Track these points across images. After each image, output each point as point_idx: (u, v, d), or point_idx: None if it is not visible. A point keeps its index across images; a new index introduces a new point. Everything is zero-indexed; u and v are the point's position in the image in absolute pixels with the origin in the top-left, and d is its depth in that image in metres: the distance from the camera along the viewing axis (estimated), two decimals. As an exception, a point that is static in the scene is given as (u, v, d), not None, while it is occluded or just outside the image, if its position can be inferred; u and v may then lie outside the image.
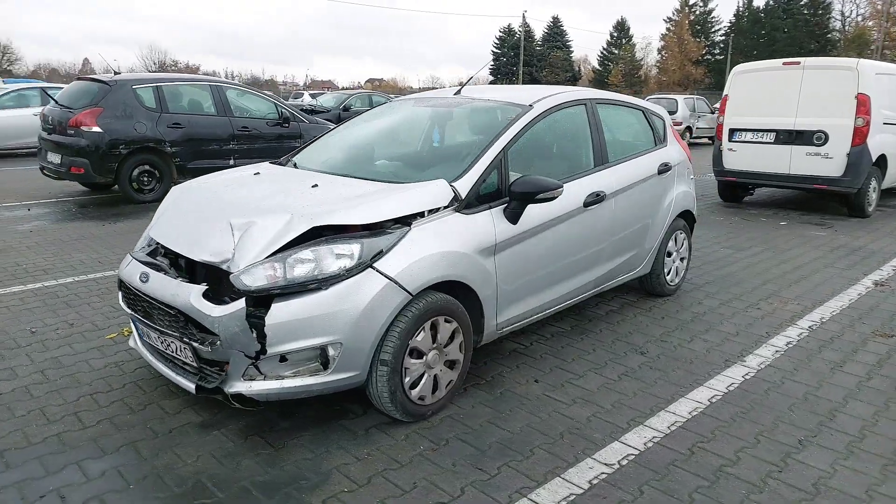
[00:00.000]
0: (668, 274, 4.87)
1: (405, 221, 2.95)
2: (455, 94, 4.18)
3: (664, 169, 4.59)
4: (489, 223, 3.20)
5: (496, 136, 3.45)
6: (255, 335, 2.64)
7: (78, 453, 2.72)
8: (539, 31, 75.01)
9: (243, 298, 2.65)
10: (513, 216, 3.29)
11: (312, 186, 3.25)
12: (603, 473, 2.65)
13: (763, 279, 5.50)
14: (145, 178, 8.33)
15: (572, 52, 75.80)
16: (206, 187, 3.51)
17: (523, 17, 65.31)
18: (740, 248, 6.63)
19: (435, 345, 3.00)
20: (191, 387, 2.80)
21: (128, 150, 8.04)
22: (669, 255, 4.85)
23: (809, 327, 4.36)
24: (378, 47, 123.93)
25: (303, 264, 2.70)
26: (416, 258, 2.85)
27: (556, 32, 74.60)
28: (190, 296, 2.73)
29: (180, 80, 8.84)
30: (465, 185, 3.18)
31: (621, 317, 4.52)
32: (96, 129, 7.82)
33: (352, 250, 2.75)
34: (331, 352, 2.71)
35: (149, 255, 3.20)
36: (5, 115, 13.50)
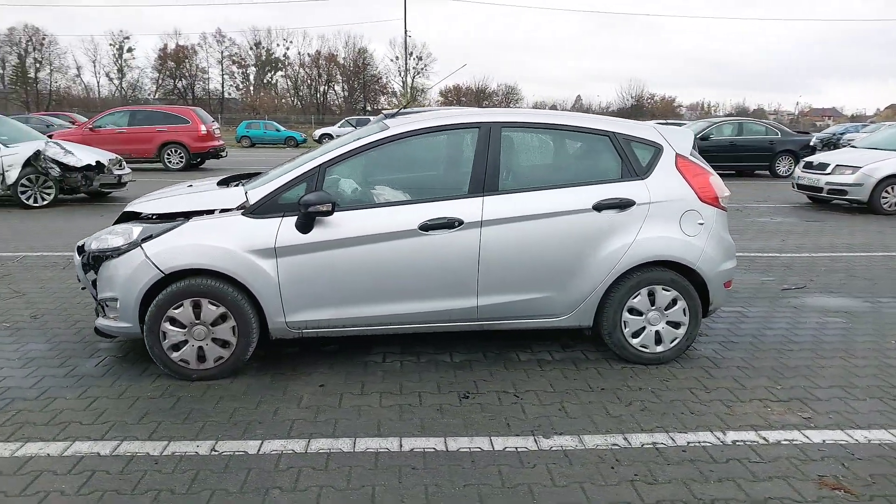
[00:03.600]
0: (633, 337, 3.99)
1: (188, 216, 3.69)
2: (383, 118, 4.48)
3: (610, 205, 3.84)
4: (272, 229, 3.62)
5: (321, 154, 3.79)
6: (91, 283, 3.83)
7: (29, 339, 4.36)
8: None
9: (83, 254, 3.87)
10: (301, 226, 3.62)
11: (188, 186, 4.23)
12: (180, 452, 2.95)
13: (850, 385, 3.83)
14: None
15: None
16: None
17: None
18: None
19: (199, 321, 3.64)
20: (99, 316, 4.14)
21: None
22: (639, 313, 3.97)
23: (747, 443, 3.12)
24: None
25: (116, 237, 3.76)
26: (174, 245, 3.58)
27: None
28: (75, 249, 4.09)
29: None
30: (256, 194, 3.70)
31: (530, 368, 4.00)
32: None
33: (134, 231, 3.68)
34: (117, 305, 3.69)
35: None
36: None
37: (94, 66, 76.21)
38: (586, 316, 3.97)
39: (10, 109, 49.27)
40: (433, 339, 4.40)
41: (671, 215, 3.93)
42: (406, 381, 3.77)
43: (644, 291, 3.95)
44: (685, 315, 4.01)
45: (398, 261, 3.71)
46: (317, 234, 3.63)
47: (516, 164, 3.96)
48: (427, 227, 3.69)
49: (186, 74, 67.37)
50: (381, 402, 3.51)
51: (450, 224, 3.71)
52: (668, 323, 4.02)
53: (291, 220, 3.64)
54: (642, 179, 3.94)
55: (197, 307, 3.63)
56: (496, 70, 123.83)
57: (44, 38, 63.09)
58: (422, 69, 75.52)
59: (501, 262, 3.78)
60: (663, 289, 3.96)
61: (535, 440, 3.11)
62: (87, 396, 3.50)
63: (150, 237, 3.64)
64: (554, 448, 3.04)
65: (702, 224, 3.97)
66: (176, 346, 3.67)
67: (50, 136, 14.43)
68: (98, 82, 68.70)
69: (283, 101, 71.44)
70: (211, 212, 3.72)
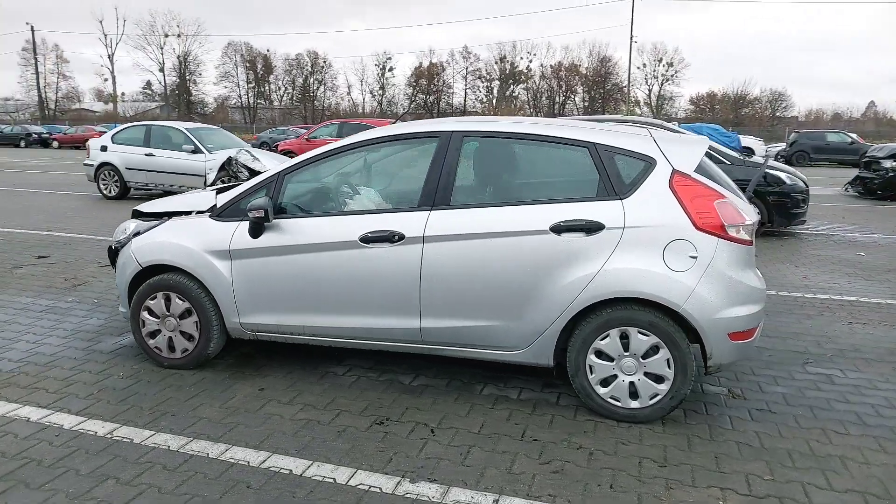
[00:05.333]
0: (601, 385, 3.37)
1: (170, 216, 4.01)
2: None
3: (571, 227, 3.28)
4: (229, 232, 3.77)
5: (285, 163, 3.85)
6: (116, 271, 4.39)
7: (97, 314, 5.09)
8: None
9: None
10: (251, 231, 3.71)
11: (192, 189, 4.56)
12: (123, 438, 3.21)
13: (881, 496, 2.81)
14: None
15: None
16: None
17: None
18: None
19: (169, 313, 3.93)
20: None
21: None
22: (609, 359, 3.34)
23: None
24: None
25: (124, 232, 4.24)
26: (150, 241, 3.93)
27: None
28: (113, 241, 4.68)
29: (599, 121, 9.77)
30: (222, 199, 3.88)
31: (480, 403, 3.59)
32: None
33: (130, 227, 4.11)
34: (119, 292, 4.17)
35: None
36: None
37: (362, 85, 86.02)
38: (544, 353, 3.44)
39: (293, 122, 57.99)
40: (409, 358, 4.17)
41: (652, 244, 3.23)
42: (340, 398, 3.64)
43: (615, 333, 3.30)
44: (669, 367, 3.26)
45: (339, 272, 3.60)
46: (265, 240, 3.69)
47: (475, 177, 3.60)
48: (368, 240, 3.53)
49: (433, 90, 72.67)
50: (296, 414, 3.44)
51: (390, 237, 3.50)
52: (648, 375, 3.31)
53: (246, 225, 3.75)
54: (620, 199, 3.30)
55: (168, 300, 3.92)
56: (761, 73, 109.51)
57: (324, 62, 73.16)
58: (672, 76, 71.53)
59: (445, 282, 3.46)
60: (640, 332, 3.27)
61: (399, 483, 2.79)
62: (78, 370, 3.99)
63: (138, 233, 4.03)
64: (407, 495, 2.70)
65: (695, 257, 3.19)
66: (152, 334, 4.00)
67: (275, 147, 16.60)
68: (363, 99, 77.37)
69: (521, 111, 73.06)
70: (189, 213, 4.00)
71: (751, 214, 3.39)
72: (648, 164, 3.34)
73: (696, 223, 3.20)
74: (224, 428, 3.27)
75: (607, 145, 3.40)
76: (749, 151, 13.17)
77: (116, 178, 12.20)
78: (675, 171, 3.30)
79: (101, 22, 66.56)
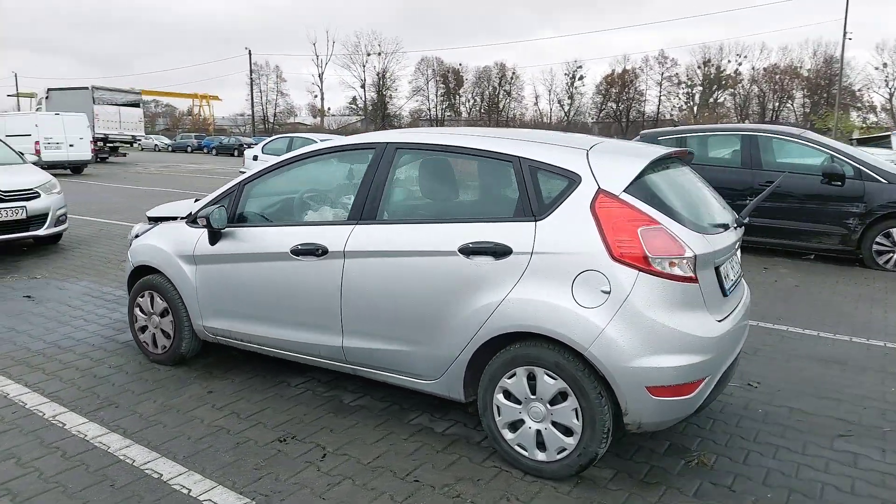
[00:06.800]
0: (509, 430, 2.99)
1: (162, 220, 4.31)
2: None
3: (479, 250, 2.94)
4: (194, 237, 3.96)
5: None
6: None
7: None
8: None
9: None
10: (209, 237, 3.86)
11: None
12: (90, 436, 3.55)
13: None
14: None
15: None
16: None
17: None
18: None
19: (153, 311, 4.23)
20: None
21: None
22: (517, 401, 2.95)
23: None
24: None
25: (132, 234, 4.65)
26: (141, 243, 4.27)
27: None
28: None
29: (710, 131, 8.74)
30: (196, 206, 4.09)
31: (396, 432, 3.36)
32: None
33: (134, 230, 4.49)
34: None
35: None
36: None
37: (549, 95, 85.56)
38: (455, 387, 3.14)
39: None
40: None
41: (562, 274, 2.79)
42: (270, 409, 3.63)
43: (521, 372, 2.91)
44: (577, 419, 2.80)
45: (274, 282, 3.61)
46: (220, 247, 3.82)
47: (407, 192, 3.40)
48: (297, 252, 3.49)
49: (624, 98, 70.12)
50: (216, 420, 3.50)
51: (315, 251, 3.43)
52: (555, 425, 2.87)
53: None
54: (534, 221, 2.90)
55: (152, 299, 4.22)
56: None
57: (511, 73, 74.25)
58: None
59: (362, 300, 3.31)
60: (546, 374, 2.84)
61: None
62: (84, 356, 4.43)
63: (137, 236, 4.39)
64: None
65: (607, 292, 2.70)
66: (142, 329, 4.33)
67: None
68: (550, 109, 77.01)
69: (725, 119, 67.43)
70: (175, 218, 4.27)
71: (703, 246, 2.80)
72: (572, 181, 2.90)
73: (613, 252, 2.71)
74: (145, 424, 3.42)
75: (531, 160, 3.01)
76: None
77: (264, 184, 13.44)
78: (599, 191, 2.83)
79: (314, 44, 74.27)
